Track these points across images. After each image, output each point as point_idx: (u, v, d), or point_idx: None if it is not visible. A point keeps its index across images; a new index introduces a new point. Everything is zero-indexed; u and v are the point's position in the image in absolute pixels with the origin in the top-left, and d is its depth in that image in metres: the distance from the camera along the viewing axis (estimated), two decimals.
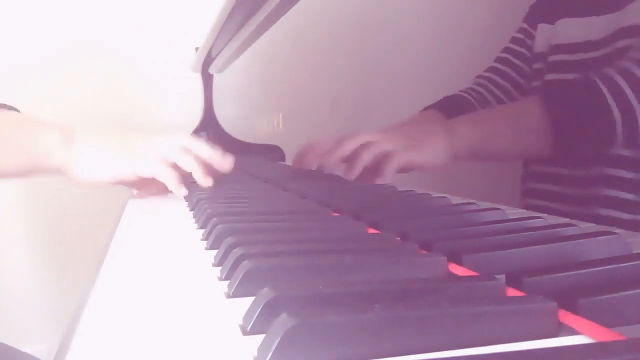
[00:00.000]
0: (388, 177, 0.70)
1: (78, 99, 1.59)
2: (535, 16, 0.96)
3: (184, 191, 0.66)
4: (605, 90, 0.65)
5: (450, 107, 0.95)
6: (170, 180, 0.65)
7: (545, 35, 0.91)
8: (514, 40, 0.99)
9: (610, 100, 0.64)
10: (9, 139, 0.61)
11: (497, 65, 1.00)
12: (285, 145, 1.49)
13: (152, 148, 0.65)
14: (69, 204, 1.62)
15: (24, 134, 0.62)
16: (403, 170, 0.71)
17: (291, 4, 0.77)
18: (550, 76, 0.88)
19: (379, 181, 0.71)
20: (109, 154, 0.63)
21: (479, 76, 1.02)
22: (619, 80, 0.65)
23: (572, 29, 0.85)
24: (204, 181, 0.68)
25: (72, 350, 0.22)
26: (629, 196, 0.76)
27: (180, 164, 0.66)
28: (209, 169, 0.69)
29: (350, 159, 0.73)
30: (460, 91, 1.00)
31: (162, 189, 0.69)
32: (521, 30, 0.98)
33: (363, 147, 0.72)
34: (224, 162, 0.70)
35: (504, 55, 1.00)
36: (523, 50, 0.96)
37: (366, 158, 0.71)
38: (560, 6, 0.89)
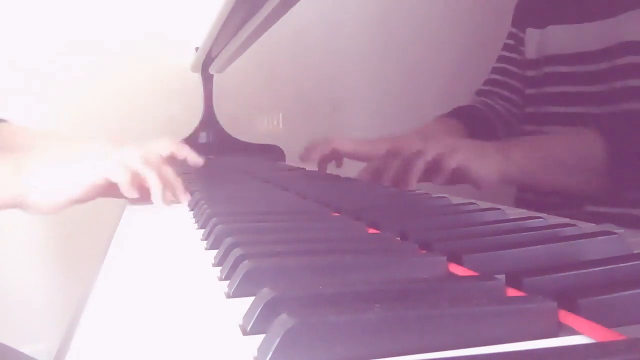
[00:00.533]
0: (446, 175, 0.66)
1: (78, 99, 1.59)
2: (522, 19, 0.94)
3: (134, 194, 0.60)
4: None
5: (467, 116, 0.93)
6: (122, 181, 0.59)
7: (535, 41, 0.89)
8: (505, 47, 0.98)
9: None
10: None
11: (494, 76, 0.99)
12: (285, 145, 1.49)
13: (109, 155, 0.60)
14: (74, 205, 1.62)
15: None
16: (457, 175, 0.67)
17: (291, 4, 0.77)
18: (549, 89, 0.86)
19: (435, 180, 0.67)
20: (60, 172, 0.58)
21: (479, 91, 1.00)
22: None
23: (563, 38, 0.83)
24: (158, 201, 0.61)
25: (72, 350, 0.22)
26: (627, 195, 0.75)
27: (144, 177, 0.61)
28: (169, 189, 0.63)
29: (404, 169, 0.69)
30: (468, 104, 0.99)
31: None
32: (511, 35, 0.97)
33: (416, 155, 0.68)
34: (195, 157, 0.69)
35: (500, 65, 0.98)
36: (516, 56, 0.95)
37: (421, 166, 0.67)
38: (547, 10, 0.87)
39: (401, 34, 1.73)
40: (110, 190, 0.62)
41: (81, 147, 0.62)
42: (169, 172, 0.64)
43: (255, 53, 1.22)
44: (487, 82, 1.00)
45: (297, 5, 0.77)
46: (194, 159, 0.76)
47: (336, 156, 0.90)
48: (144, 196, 0.62)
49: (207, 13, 1.10)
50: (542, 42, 0.87)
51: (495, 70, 0.99)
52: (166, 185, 0.62)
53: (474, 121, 0.93)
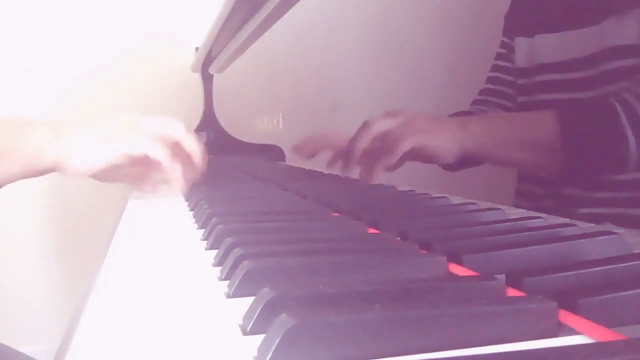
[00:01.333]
0: (397, 155, 0.68)
1: (77, 99, 1.59)
2: (512, 28, 0.96)
3: (178, 168, 0.63)
4: (622, 115, 0.64)
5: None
6: (163, 156, 0.62)
7: (524, 49, 0.91)
8: (498, 56, 1.00)
9: (627, 127, 0.63)
10: None
11: (489, 86, 1.00)
12: (285, 145, 1.49)
13: (143, 129, 0.63)
14: (68, 204, 1.62)
15: (12, 135, 0.60)
16: (416, 154, 0.70)
17: (291, 4, 0.77)
18: (541, 96, 0.88)
19: (388, 161, 0.69)
20: (100, 139, 0.62)
21: (476, 100, 1.02)
22: (636, 105, 0.64)
23: (551, 46, 0.85)
24: (180, 184, 0.65)
25: (72, 350, 0.22)
26: (624, 194, 0.76)
27: (180, 140, 0.65)
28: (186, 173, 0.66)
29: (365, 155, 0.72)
30: (468, 110, 1.00)
31: (155, 180, 0.68)
32: (503, 44, 0.98)
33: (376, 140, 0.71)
34: (202, 162, 0.68)
35: (494, 74, 1.00)
36: (509, 64, 0.97)
37: (384, 155, 0.70)
38: (535, 19, 0.88)
39: (401, 34, 1.73)
40: (140, 168, 0.66)
41: (116, 119, 0.64)
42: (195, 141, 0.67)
43: (255, 53, 1.22)
44: (483, 91, 1.01)
45: (297, 5, 0.77)
46: (197, 158, 0.70)
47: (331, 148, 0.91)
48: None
49: (207, 13, 1.10)
50: (531, 50, 0.89)
51: (489, 79, 1.00)
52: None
53: None
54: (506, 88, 0.97)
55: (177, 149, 0.65)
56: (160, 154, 0.62)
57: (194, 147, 0.66)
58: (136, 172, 0.69)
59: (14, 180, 0.62)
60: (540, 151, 0.69)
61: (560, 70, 0.83)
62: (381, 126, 0.72)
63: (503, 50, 0.98)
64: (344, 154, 0.73)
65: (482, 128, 0.71)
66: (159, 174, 0.69)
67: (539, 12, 0.89)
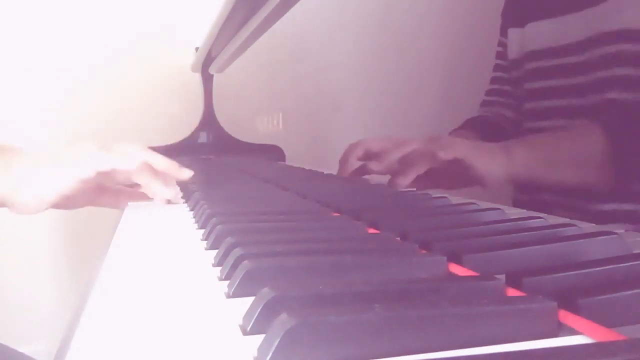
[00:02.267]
0: (438, 161, 0.65)
1: (77, 99, 1.59)
2: (505, 23, 0.95)
3: (147, 175, 0.59)
4: None
5: (481, 126, 0.93)
6: (122, 163, 0.58)
7: (515, 40, 0.89)
8: (498, 55, 0.99)
9: None
10: None
11: (495, 86, 1.00)
12: (285, 145, 1.49)
13: (100, 154, 0.58)
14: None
15: None
16: (460, 170, 0.67)
17: (291, 4, 0.77)
18: (532, 84, 0.86)
19: (425, 167, 0.67)
20: (49, 170, 0.57)
21: (484, 102, 1.01)
22: None
23: (543, 32, 0.83)
24: (182, 174, 0.62)
25: (72, 350, 0.22)
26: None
27: (150, 161, 0.60)
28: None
29: (403, 164, 0.70)
30: (478, 115, 0.99)
31: (115, 202, 0.65)
32: (500, 43, 0.98)
33: (416, 152, 0.69)
34: (181, 171, 0.64)
35: (497, 74, 1.00)
36: (506, 63, 0.96)
37: (421, 165, 0.67)
38: (528, 8, 0.87)
39: (401, 34, 1.73)
40: (99, 195, 0.63)
41: (71, 149, 0.60)
42: (165, 163, 0.63)
43: (255, 53, 1.22)
44: (489, 92, 1.01)
45: (297, 5, 0.77)
46: (171, 171, 0.64)
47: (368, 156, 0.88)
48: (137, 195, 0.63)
49: (208, 13, 1.10)
50: (522, 39, 0.88)
51: (493, 80, 1.00)
52: (160, 177, 0.62)
53: (487, 130, 0.93)
54: (509, 87, 0.97)
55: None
56: (120, 163, 0.58)
57: (163, 164, 0.62)
58: (110, 195, 0.66)
59: None
60: (588, 168, 0.67)
61: (551, 56, 0.82)
62: (422, 143, 0.69)
63: (500, 49, 0.98)
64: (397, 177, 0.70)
65: (527, 152, 0.69)
66: (129, 194, 0.66)
67: (531, 1, 0.88)
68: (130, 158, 0.59)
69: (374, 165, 0.72)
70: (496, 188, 0.68)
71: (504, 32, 0.96)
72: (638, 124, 0.66)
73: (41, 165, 0.58)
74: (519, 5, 0.91)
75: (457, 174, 0.68)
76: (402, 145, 0.71)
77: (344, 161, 0.77)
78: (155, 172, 0.61)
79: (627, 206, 0.76)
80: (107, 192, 0.65)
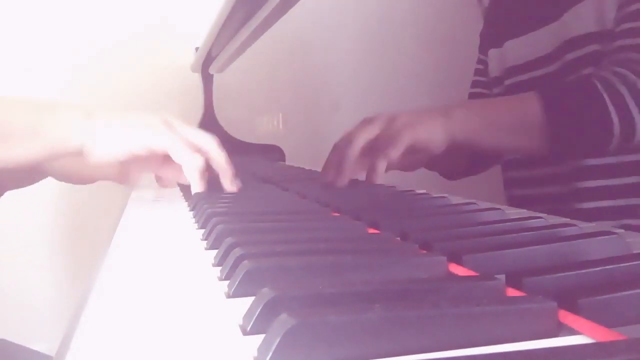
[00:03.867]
0: (396, 155, 0.67)
1: (77, 99, 1.59)
2: (485, 44, 0.99)
3: (198, 178, 0.61)
4: (604, 93, 0.65)
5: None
6: (189, 162, 0.60)
7: (496, 59, 0.93)
8: (476, 72, 1.04)
9: (609, 104, 0.64)
10: (21, 121, 0.58)
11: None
12: (285, 145, 1.49)
13: (175, 131, 0.61)
14: (69, 205, 1.62)
15: (38, 114, 0.58)
16: (410, 151, 0.69)
17: (291, 4, 0.77)
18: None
19: (387, 164, 0.68)
20: (128, 127, 0.60)
21: None
22: (617, 84, 0.65)
23: (519, 49, 0.87)
24: (230, 185, 0.64)
25: (72, 350, 0.22)
26: (611, 182, 0.77)
27: (210, 155, 0.62)
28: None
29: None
30: None
31: (174, 177, 0.66)
32: (479, 60, 1.02)
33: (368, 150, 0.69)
34: (231, 182, 0.65)
35: (475, 90, 1.03)
36: (485, 79, 1.00)
37: (378, 163, 0.68)
38: (505, 29, 0.91)
39: (401, 34, 1.73)
40: (162, 165, 0.65)
41: (147, 115, 0.63)
42: (223, 156, 0.65)
43: (255, 53, 1.22)
44: None
45: (297, 5, 0.78)
46: (224, 177, 0.65)
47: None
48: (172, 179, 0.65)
49: (208, 13, 1.10)
50: (501, 58, 0.92)
51: (472, 95, 1.05)
52: (221, 171, 0.64)
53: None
54: None
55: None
56: (185, 159, 0.60)
57: (222, 165, 0.63)
58: (157, 164, 0.67)
59: (40, 161, 0.61)
60: (525, 132, 0.70)
61: (528, 69, 0.86)
62: (367, 134, 0.70)
63: (480, 66, 1.02)
64: (336, 168, 0.70)
65: (467, 113, 0.71)
66: (175, 177, 0.68)
67: (506, 20, 0.92)
68: (194, 152, 0.61)
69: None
70: (439, 150, 0.69)
71: (482, 51, 1.01)
72: (573, 93, 0.69)
73: (120, 122, 0.60)
74: (496, 26, 0.96)
75: (408, 150, 0.69)
76: (353, 147, 0.70)
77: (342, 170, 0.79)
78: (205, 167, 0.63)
79: (610, 202, 0.77)
80: (171, 165, 0.65)
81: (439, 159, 0.74)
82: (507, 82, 0.90)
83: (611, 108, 0.65)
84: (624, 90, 0.65)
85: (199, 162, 0.61)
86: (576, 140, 0.69)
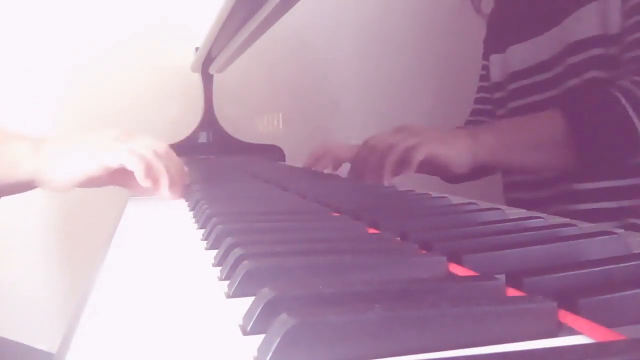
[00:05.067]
0: (413, 167, 0.69)
1: (77, 98, 1.59)
2: (487, 50, 1.01)
3: (148, 183, 0.63)
4: (626, 103, 0.65)
5: None
6: (138, 170, 0.62)
7: (498, 64, 0.94)
8: (481, 77, 1.05)
9: (632, 112, 0.65)
10: None
11: (478, 106, 1.05)
12: (285, 145, 1.49)
13: (124, 143, 0.63)
14: (69, 205, 1.62)
15: None
16: (428, 164, 0.70)
17: (291, 4, 0.77)
18: (513, 104, 0.91)
19: (405, 172, 0.70)
20: (77, 153, 0.62)
21: (468, 122, 1.06)
22: (637, 92, 0.66)
23: (521, 54, 0.88)
24: (167, 193, 0.65)
25: (72, 350, 0.22)
26: (609, 184, 0.77)
27: (153, 165, 0.64)
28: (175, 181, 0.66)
29: (377, 165, 0.73)
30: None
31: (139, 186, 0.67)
32: (483, 67, 1.03)
33: (388, 149, 0.71)
34: (167, 192, 0.66)
35: (480, 95, 1.04)
36: (488, 84, 1.00)
37: (392, 160, 0.70)
38: (507, 34, 0.92)
39: (401, 34, 1.73)
40: (122, 177, 0.66)
41: (97, 133, 0.65)
42: (177, 164, 0.67)
43: (255, 53, 1.22)
44: (473, 111, 1.07)
45: (297, 5, 0.78)
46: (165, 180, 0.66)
47: (335, 162, 0.95)
48: (150, 188, 0.65)
49: (208, 13, 1.10)
50: (504, 63, 0.93)
51: (477, 100, 1.06)
52: (173, 178, 0.65)
53: None
54: (492, 107, 1.01)
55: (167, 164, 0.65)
56: (136, 166, 0.61)
57: (160, 170, 0.64)
58: (120, 178, 0.69)
59: None
60: (550, 151, 0.70)
61: (530, 75, 0.87)
62: (391, 139, 0.72)
63: (484, 72, 1.03)
64: (354, 170, 0.74)
65: (492, 135, 0.72)
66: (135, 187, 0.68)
67: (509, 26, 0.93)
68: (143, 159, 0.62)
69: (350, 174, 0.77)
70: (463, 171, 0.71)
71: (486, 57, 1.01)
72: (595, 106, 0.70)
73: (70, 146, 0.62)
74: (499, 32, 0.97)
75: (427, 163, 0.71)
76: (373, 152, 0.74)
77: (310, 163, 0.84)
78: (162, 173, 0.64)
79: (613, 204, 0.77)
80: (130, 174, 0.66)
81: (449, 174, 0.75)
82: (511, 87, 0.91)
83: (635, 119, 0.65)
84: None
85: (142, 167, 0.62)
86: (602, 150, 0.69)
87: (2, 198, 0.71)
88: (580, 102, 0.74)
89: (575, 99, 0.79)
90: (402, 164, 0.70)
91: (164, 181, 0.64)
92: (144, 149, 0.63)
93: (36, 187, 0.63)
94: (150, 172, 0.63)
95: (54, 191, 0.63)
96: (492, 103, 0.99)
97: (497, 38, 0.97)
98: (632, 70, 0.70)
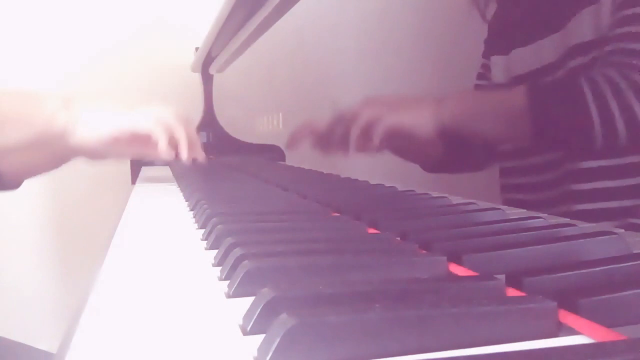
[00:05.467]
0: (378, 137, 0.71)
1: None
2: (488, 50, 1.01)
3: (171, 154, 0.69)
4: (590, 97, 0.67)
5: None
6: (162, 139, 0.67)
7: (500, 67, 0.95)
8: (479, 76, 1.05)
9: (593, 108, 0.66)
10: (10, 110, 0.63)
11: None
12: (285, 145, 1.48)
13: (152, 111, 0.68)
14: (70, 205, 1.62)
15: (24, 103, 0.64)
16: (395, 134, 0.72)
17: (291, 4, 0.77)
18: None
19: (372, 145, 0.72)
20: (108, 112, 0.66)
21: None
22: (603, 86, 0.67)
23: (525, 58, 0.89)
24: (185, 156, 0.71)
25: (72, 350, 0.22)
26: (608, 184, 0.78)
27: (175, 132, 0.69)
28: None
29: (341, 136, 0.76)
30: None
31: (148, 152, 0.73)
32: (482, 66, 1.03)
33: (351, 121, 0.74)
34: (199, 153, 0.74)
35: None
36: (487, 83, 1.01)
37: (356, 132, 0.73)
38: (511, 37, 0.93)
39: (401, 34, 1.73)
40: (142, 146, 0.71)
41: (122, 102, 0.70)
42: (193, 131, 0.74)
43: (255, 53, 1.22)
44: None
45: (297, 5, 0.78)
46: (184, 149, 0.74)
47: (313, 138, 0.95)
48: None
49: (208, 13, 1.10)
50: (507, 66, 0.94)
51: None
52: (192, 142, 0.72)
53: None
54: None
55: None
56: (161, 137, 0.67)
57: (183, 138, 0.71)
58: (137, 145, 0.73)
59: (28, 147, 0.65)
60: (510, 124, 0.73)
61: (532, 78, 0.87)
62: (357, 112, 0.75)
63: (482, 71, 1.03)
64: (320, 143, 0.77)
65: (455, 102, 0.74)
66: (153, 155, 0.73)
67: (513, 29, 0.94)
68: (167, 128, 0.69)
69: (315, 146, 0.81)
70: (428, 136, 0.73)
71: (486, 56, 1.02)
72: (559, 93, 0.72)
73: (98, 107, 0.66)
74: (502, 34, 0.97)
75: (393, 134, 0.72)
76: (339, 125, 0.77)
77: (292, 140, 0.86)
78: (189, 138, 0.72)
79: (614, 203, 0.78)
80: (150, 142, 0.71)
81: (418, 146, 0.78)
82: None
83: (593, 110, 0.66)
84: (606, 89, 0.67)
85: (166, 137, 0.69)
86: (557, 134, 0.72)
87: (4, 196, 0.72)
88: (546, 83, 0.77)
89: (544, 81, 0.82)
90: (367, 137, 0.72)
91: (184, 147, 0.70)
92: (166, 117, 0.69)
93: (67, 156, 0.67)
94: (172, 140, 0.68)
95: (81, 153, 0.66)
96: None
97: (499, 39, 0.97)
98: (605, 63, 0.71)
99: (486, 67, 1.01)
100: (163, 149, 0.66)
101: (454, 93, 0.79)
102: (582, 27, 0.77)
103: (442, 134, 0.73)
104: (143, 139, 0.68)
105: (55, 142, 0.65)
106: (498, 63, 0.95)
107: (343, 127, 0.75)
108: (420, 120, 0.72)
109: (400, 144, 0.78)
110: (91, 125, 0.64)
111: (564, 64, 0.81)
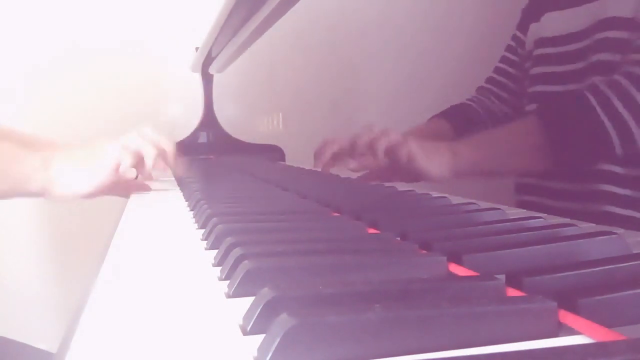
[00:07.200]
0: (399, 155, 0.72)
1: (77, 99, 1.59)
2: (526, 20, 0.99)
3: (133, 172, 0.73)
4: (597, 106, 0.67)
5: (457, 116, 0.99)
6: (131, 173, 0.71)
7: (533, 33, 0.94)
8: (508, 48, 1.03)
9: (602, 115, 0.67)
10: None
11: (494, 75, 1.04)
12: (285, 145, 1.49)
13: (115, 144, 0.70)
14: (77, 205, 1.62)
15: (5, 161, 0.67)
16: (405, 161, 0.73)
17: (291, 4, 0.77)
18: (535, 70, 0.90)
19: (385, 159, 0.73)
20: (82, 168, 0.69)
21: (480, 88, 1.05)
22: (608, 93, 0.67)
23: (555, 22, 0.88)
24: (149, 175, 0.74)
25: (72, 350, 0.22)
26: (625, 191, 0.77)
27: (142, 152, 0.71)
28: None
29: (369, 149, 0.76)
30: (466, 100, 1.02)
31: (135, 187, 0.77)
32: (514, 37, 1.02)
33: (381, 135, 0.74)
34: (178, 163, 0.76)
35: (501, 65, 1.03)
36: (516, 58, 1.00)
37: (384, 143, 0.73)
38: (547, 2, 0.92)
39: (401, 34, 1.73)
40: (116, 186, 0.73)
41: (96, 146, 0.72)
42: (163, 141, 0.75)
43: (255, 53, 1.22)
44: (488, 80, 1.04)
45: (297, 5, 0.78)
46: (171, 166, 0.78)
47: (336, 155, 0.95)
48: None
49: (208, 13, 1.10)
50: (538, 30, 0.93)
51: (496, 70, 1.03)
52: (160, 153, 0.74)
53: (463, 121, 0.99)
54: (509, 81, 1.00)
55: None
56: (124, 159, 0.69)
57: (149, 158, 0.72)
58: (123, 185, 0.77)
59: (3, 198, 0.69)
60: (528, 157, 0.74)
61: (558, 44, 0.87)
62: (381, 131, 0.75)
63: (513, 43, 1.01)
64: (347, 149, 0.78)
65: (471, 148, 0.75)
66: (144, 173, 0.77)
67: None
68: (132, 152, 0.71)
69: (349, 163, 0.82)
70: (441, 182, 0.74)
71: (521, 28, 1.00)
72: (567, 108, 0.72)
73: (75, 162, 0.69)
74: (539, 1, 0.95)
75: (408, 169, 0.73)
76: (367, 141, 0.77)
77: (319, 155, 0.86)
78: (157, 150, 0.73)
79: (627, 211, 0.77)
80: (118, 184, 0.74)
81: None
82: (536, 52, 0.91)
83: (603, 116, 0.67)
84: (612, 96, 0.67)
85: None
86: (577, 153, 0.72)
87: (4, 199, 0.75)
88: (552, 106, 0.76)
89: (547, 103, 0.82)
90: (387, 152, 0.73)
91: (147, 158, 0.71)
92: (130, 140, 0.70)
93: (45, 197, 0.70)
94: (136, 161, 0.71)
95: (61, 201, 0.69)
96: (516, 81, 0.99)
97: (536, 6, 0.96)
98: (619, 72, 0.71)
99: (518, 40, 1.00)
100: (123, 169, 0.69)
101: (466, 141, 0.79)
102: (618, 2, 0.76)
103: (457, 175, 0.75)
104: (118, 179, 0.72)
105: (32, 196, 0.69)
106: (532, 30, 0.94)
107: (369, 138, 0.75)
108: (437, 167, 0.73)
109: (400, 173, 0.79)
110: (67, 186, 0.68)
111: (589, 35, 0.80)
